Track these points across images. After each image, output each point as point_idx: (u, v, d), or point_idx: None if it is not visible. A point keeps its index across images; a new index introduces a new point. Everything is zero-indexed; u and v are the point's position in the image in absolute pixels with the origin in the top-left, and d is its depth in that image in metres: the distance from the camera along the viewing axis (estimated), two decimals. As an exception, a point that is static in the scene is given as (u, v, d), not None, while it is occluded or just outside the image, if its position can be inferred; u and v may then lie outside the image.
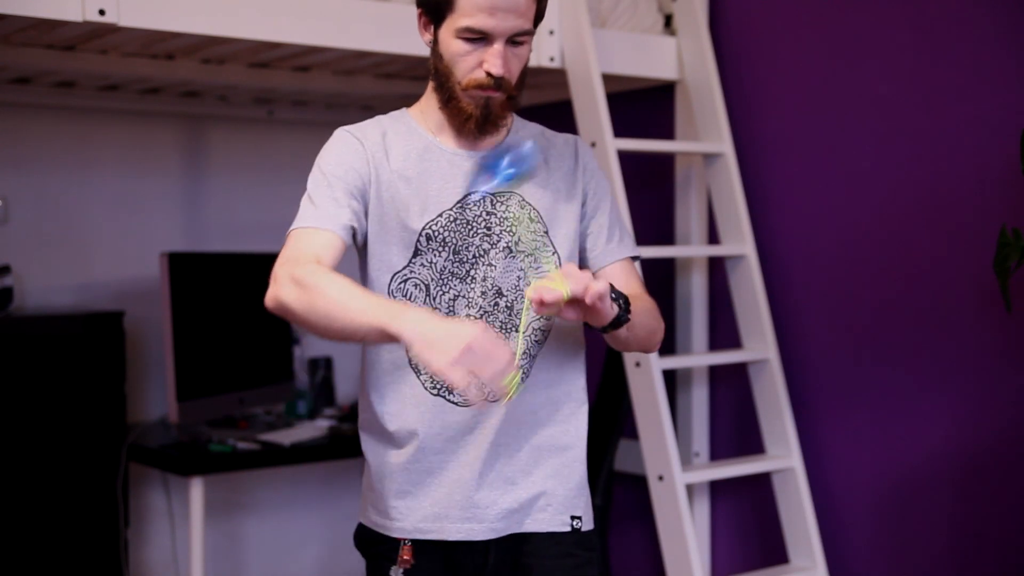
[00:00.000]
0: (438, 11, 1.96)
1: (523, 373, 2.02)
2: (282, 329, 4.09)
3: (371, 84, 3.92)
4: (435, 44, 2.00)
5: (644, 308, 2.04)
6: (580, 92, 3.39)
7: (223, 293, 3.84)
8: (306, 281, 1.83)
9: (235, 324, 3.89)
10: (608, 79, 3.52)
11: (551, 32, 3.40)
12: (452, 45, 1.95)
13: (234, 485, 4.26)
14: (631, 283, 2.10)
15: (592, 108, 3.35)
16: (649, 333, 2.07)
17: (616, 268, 2.11)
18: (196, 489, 3.50)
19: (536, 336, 2.03)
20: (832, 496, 3.45)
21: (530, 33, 1.97)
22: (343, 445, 3.79)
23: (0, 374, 3.37)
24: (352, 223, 1.95)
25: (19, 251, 3.81)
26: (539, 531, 2.04)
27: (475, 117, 1.99)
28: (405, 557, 2.01)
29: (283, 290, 1.85)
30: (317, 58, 3.53)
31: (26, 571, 3.41)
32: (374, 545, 2.08)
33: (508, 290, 2.02)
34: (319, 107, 4.36)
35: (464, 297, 2.00)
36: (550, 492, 2.05)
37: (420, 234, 1.99)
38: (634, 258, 2.16)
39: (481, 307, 2.00)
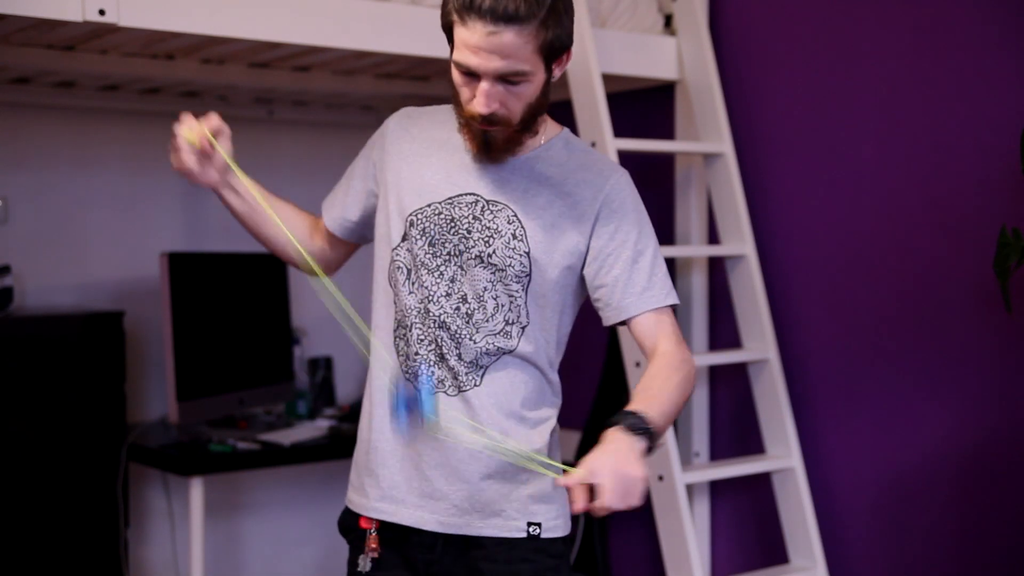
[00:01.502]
0: (448, 39, 1.97)
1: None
2: (282, 329, 4.09)
3: (371, 84, 3.92)
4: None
5: (667, 400, 1.91)
6: (580, 92, 3.39)
7: (223, 293, 3.84)
8: None
9: (235, 324, 3.89)
10: (608, 79, 3.52)
11: (551, 32, 3.40)
12: (454, 74, 1.96)
13: (234, 485, 4.26)
14: (658, 335, 2.01)
15: (592, 108, 3.35)
16: (680, 407, 1.98)
17: (643, 322, 2.02)
18: (196, 489, 3.50)
19: (489, 348, 2.02)
20: (832, 496, 3.45)
21: (524, 74, 1.90)
22: (343, 445, 3.79)
23: (0, 374, 3.37)
24: (341, 214, 2.21)
25: (19, 251, 3.81)
26: (492, 536, 2.04)
27: (477, 144, 2.00)
28: (372, 546, 2.07)
29: None
30: (317, 58, 3.53)
31: (26, 571, 3.41)
32: (349, 532, 2.14)
33: (472, 298, 2.01)
34: (319, 107, 4.35)
35: (428, 290, 2.02)
36: (505, 498, 2.04)
37: (406, 220, 2.05)
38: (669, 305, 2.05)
39: (443, 307, 2.01)
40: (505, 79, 1.90)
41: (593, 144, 3.32)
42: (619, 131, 3.50)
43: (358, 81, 3.89)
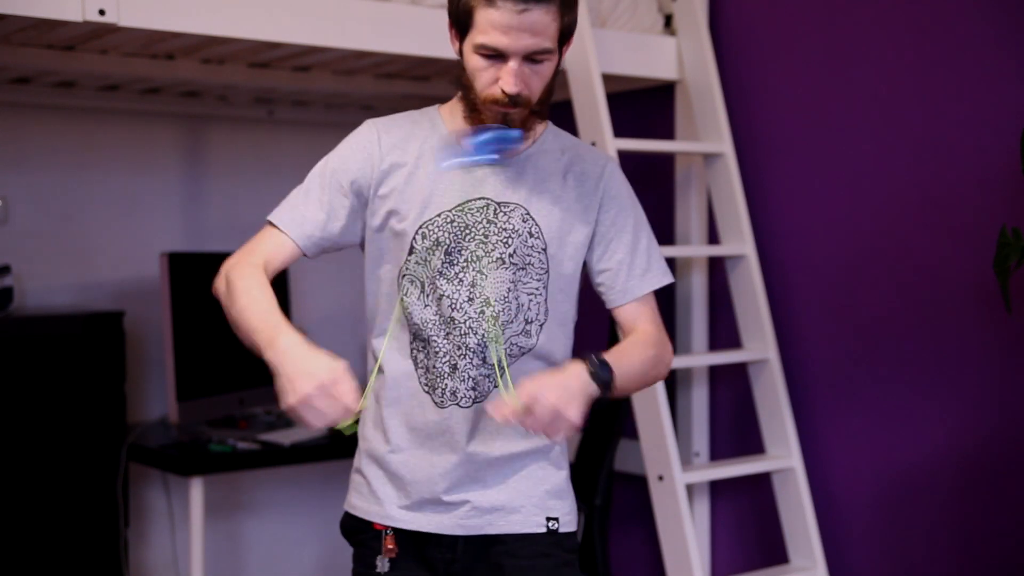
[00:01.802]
0: (462, 25, 1.97)
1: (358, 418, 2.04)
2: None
3: (371, 84, 3.92)
4: (461, 56, 2.01)
5: (632, 364, 2.01)
6: (580, 92, 3.39)
7: (223, 293, 3.84)
8: (233, 281, 1.98)
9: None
10: (608, 79, 3.52)
11: (551, 32, 3.39)
12: (472, 59, 1.97)
13: (234, 485, 4.26)
14: (639, 322, 2.10)
15: (592, 108, 3.35)
16: (644, 381, 2.08)
17: (632, 307, 2.10)
18: (196, 489, 3.50)
19: (512, 350, 2.03)
20: (832, 496, 3.45)
21: (549, 51, 1.95)
22: (343, 445, 3.79)
23: (0, 374, 3.37)
24: (319, 233, 2.05)
25: (19, 251, 3.81)
26: (511, 532, 2.05)
27: None
28: (389, 547, 2.07)
29: (218, 282, 2.03)
30: (317, 58, 3.53)
31: (26, 571, 3.41)
32: (359, 533, 2.13)
33: (496, 300, 2.01)
34: (319, 107, 4.36)
35: (449, 298, 2.01)
36: (524, 495, 2.06)
37: (416, 232, 2.02)
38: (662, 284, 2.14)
39: (467, 313, 2.01)
40: (530, 58, 1.94)
41: (593, 144, 3.32)
42: (619, 131, 3.50)
43: (358, 81, 3.89)
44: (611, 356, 1.97)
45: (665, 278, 2.13)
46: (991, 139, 3.05)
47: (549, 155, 2.09)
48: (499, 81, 1.95)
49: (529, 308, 2.03)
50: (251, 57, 3.51)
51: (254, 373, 3.96)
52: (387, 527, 2.07)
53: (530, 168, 2.06)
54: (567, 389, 1.87)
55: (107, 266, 4.01)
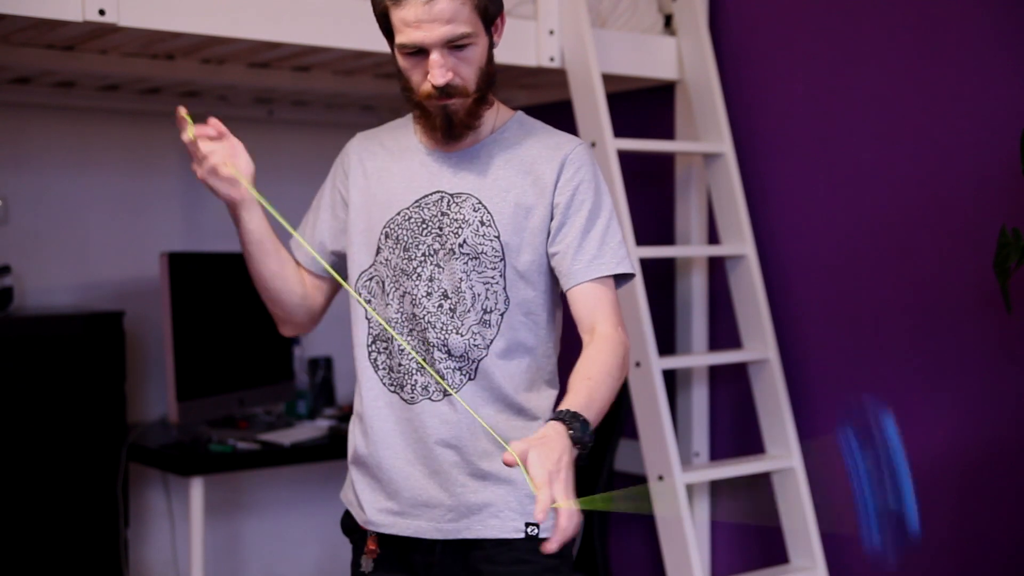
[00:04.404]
0: (386, 31, 2.00)
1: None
2: (282, 329, 4.09)
3: (371, 84, 3.92)
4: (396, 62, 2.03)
5: (605, 394, 1.89)
6: (580, 92, 3.39)
7: (223, 293, 3.84)
8: None
9: (235, 324, 3.89)
10: (608, 79, 3.52)
11: (551, 32, 3.40)
12: (401, 61, 1.99)
13: (234, 485, 4.26)
14: (596, 312, 1.99)
15: (592, 108, 3.35)
16: (612, 399, 1.95)
17: (582, 292, 2.00)
18: (196, 489, 3.50)
19: (475, 340, 2.01)
20: (832, 496, 3.44)
21: (469, 35, 1.94)
22: (343, 445, 3.79)
23: (0, 374, 3.37)
24: (320, 250, 2.18)
25: (19, 251, 3.81)
26: (489, 537, 2.04)
27: (440, 125, 2.01)
28: (371, 547, 2.10)
29: None
30: (317, 58, 3.53)
31: (26, 571, 3.41)
32: (352, 532, 2.17)
33: (452, 292, 2.02)
34: (319, 107, 4.36)
35: (411, 295, 2.03)
36: (502, 500, 2.04)
37: (380, 232, 2.06)
38: (622, 276, 2.05)
39: (426, 307, 2.02)
40: (452, 46, 1.94)
41: (593, 144, 3.32)
42: (619, 131, 3.50)
43: (358, 81, 3.89)
44: (582, 396, 1.84)
45: (619, 268, 2.03)
46: (991, 139, 3.05)
47: (507, 143, 2.08)
48: (428, 76, 1.96)
49: (487, 297, 2.02)
50: (251, 57, 3.51)
51: (254, 373, 3.96)
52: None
53: (484, 156, 2.06)
54: (561, 466, 1.73)
55: (107, 266, 4.01)
